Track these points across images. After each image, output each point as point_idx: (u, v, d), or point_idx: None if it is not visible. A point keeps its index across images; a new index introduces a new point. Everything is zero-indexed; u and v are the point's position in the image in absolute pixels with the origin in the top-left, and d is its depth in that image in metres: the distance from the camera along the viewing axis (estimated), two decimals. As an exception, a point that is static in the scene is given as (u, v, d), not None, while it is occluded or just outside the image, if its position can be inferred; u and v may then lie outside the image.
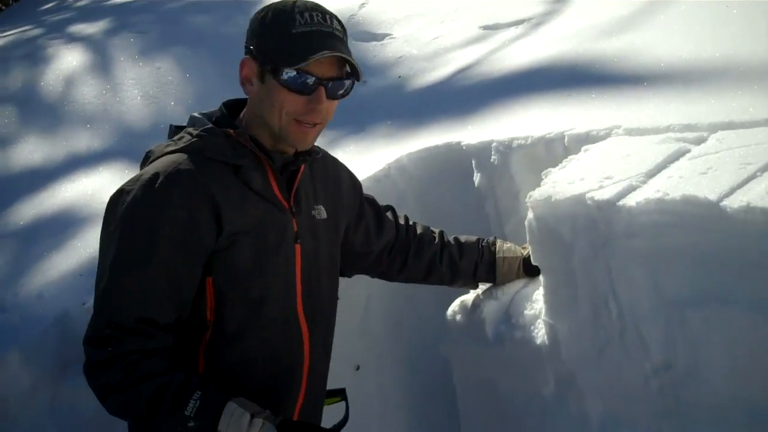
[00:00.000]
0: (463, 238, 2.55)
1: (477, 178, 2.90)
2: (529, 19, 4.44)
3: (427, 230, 2.54)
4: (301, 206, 2.17)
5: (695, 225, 1.86)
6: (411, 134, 3.42)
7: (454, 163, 3.03)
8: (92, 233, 3.60)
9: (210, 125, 2.07)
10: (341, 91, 2.06)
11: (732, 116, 2.28)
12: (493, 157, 2.82)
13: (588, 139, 2.53)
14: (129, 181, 2.00)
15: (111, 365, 1.94)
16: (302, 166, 2.16)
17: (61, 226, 3.76)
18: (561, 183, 2.20)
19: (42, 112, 5.13)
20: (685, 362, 1.96)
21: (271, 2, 2.06)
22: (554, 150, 2.64)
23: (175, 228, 1.95)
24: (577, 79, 3.19)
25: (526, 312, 2.39)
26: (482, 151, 2.87)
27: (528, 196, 2.24)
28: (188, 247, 1.97)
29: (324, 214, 2.24)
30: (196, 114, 2.14)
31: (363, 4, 5.60)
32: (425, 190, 3.13)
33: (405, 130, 3.53)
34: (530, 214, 2.24)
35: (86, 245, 3.50)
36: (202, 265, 2.00)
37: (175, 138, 2.09)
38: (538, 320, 2.34)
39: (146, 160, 2.09)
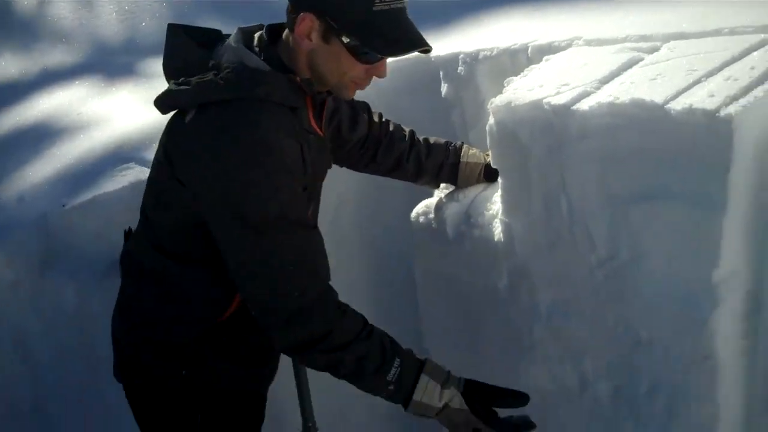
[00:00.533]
0: (432, 140, 2.67)
1: (444, 88, 3.02)
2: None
3: (399, 128, 2.65)
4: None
5: (642, 126, 1.99)
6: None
7: (422, 75, 3.15)
8: (69, 143, 3.70)
9: (270, 69, 2.07)
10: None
11: (684, 27, 2.40)
12: (459, 68, 2.93)
13: (550, 49, 2.66)
14: (214, 132, 1.99)
15: (308, 315, 2.04)
16: (327, 99, 2.25)
17: (39, 136, 3.85)
18: (521, 90, 2.33)
19: (18, 27, 5.16)
20: (627, 253, 2.13)
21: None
22: (518, 60, 2.77)
23: (295, 174, 2.04)
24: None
25: (484, 212, 2.54)
26: (449, 62, 2.98)
27: (490, 102, 2.37)
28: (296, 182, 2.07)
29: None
30: (239, 40, 2.10)
31: None
32: (395, 100, 3.23)
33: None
34: (491, 119, 2.37)
35: (64, 154, 3.60)
36: None
37: (231, 78, 2.02)
38: (496, 219, 2.49)
39: (204, 107, 2.03)
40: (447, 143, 2.68)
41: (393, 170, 2.65)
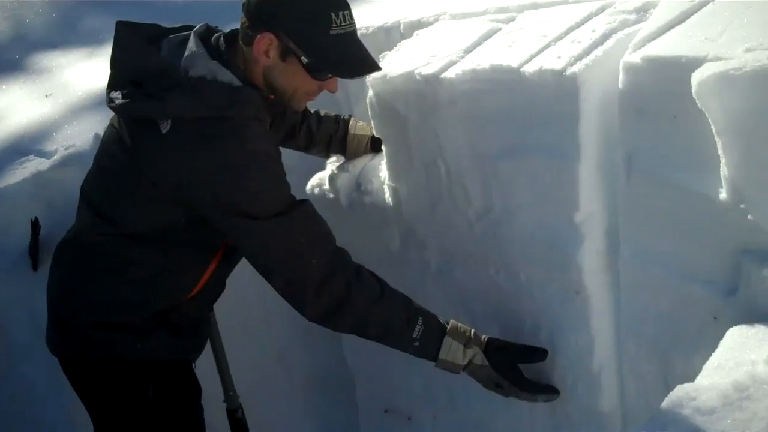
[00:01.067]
0: (323, 113, 2.85)
1: (327, 66, 3.18)
2: None
3: None
4: None
5: (501, 89, 2.19)
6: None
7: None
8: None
9: (242, 85, 2.20)
10: None
11: (536, -1, 2.63)
12: (340, 46, 3.10)
13: (420, 25, 2.85)
14: (215, 164, 2.14)
15: (329, 283, 2.24)
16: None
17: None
18: (395, 63, 2.52)
19: None
20: (500, 206, 2.34)
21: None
22: (392, 37, 2.96)
23: (279, 167, 2.26)
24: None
25: (373, 179, 2.73)
26: (331, 41, 3.14)
27: (368, 77, 2.55)
28: None
29: None
30: (202, 50, 2.21)
31: None
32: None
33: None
34: (370, 92, 2.56)
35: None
36: None
37: (211, 99, 2.14)
38: (383, 185, 2.68)
39: (189, 128, 2.14)
40: (336, 116, 2.86)
41: (286, 140, 2.80)
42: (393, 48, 2.69)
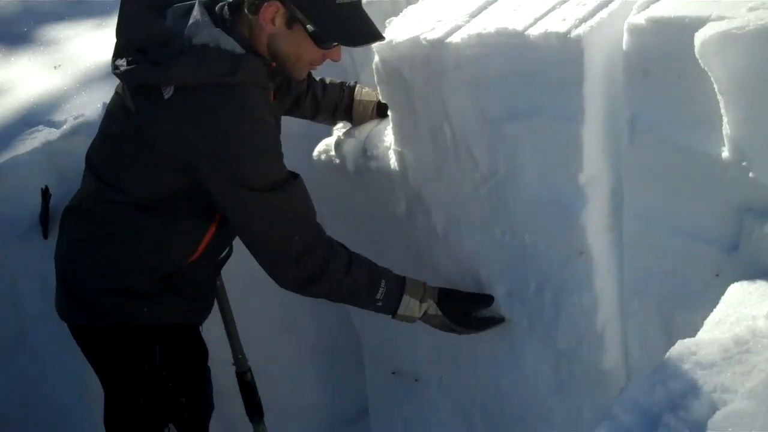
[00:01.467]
0: (328, 80, 2.87)
1: (333, 33, 3.20)
2: None
3: None
4: None
5: (506, 53, 2.22)
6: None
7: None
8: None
9: (245, 53, 2.24)
10: None
11: (542, -38, 2.63)
12: (346, 13, 3.11)
13: (426, -9, 2.86)
14: (216, 112, 2.19)
15: (313, 251, 2.35)
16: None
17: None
18: (401, 29, 2.53)
19: None
20: (505, 168, 2.37)
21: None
22: (398, 3, 2.95)
23: (277, 139, 2.35)
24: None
25: (379, 145, 2.76)
26: (336, 8, 3.16)
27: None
28: None
29: None
30: (207, 18, 2.25)
31: None
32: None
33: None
34: (376, 58, 2.58)
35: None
36: None
37: (215, 65, 2.19)
38: (389, 151, 2.71)
39: (189, 91, 2.19)
40: (342, 83, 2.88)
41: (292, 109, 2.83)
42: (399, 14, 2.70)
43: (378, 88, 2.67)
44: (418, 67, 2.45)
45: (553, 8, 2.23)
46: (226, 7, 2.31)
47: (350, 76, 3.16)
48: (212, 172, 2.24)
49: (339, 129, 2.95)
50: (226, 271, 2.83)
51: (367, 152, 2.78)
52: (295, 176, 2.35)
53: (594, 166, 2.21)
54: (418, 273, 2.76)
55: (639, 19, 1.96)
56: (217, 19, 2.28)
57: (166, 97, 2.19)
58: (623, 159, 2.18)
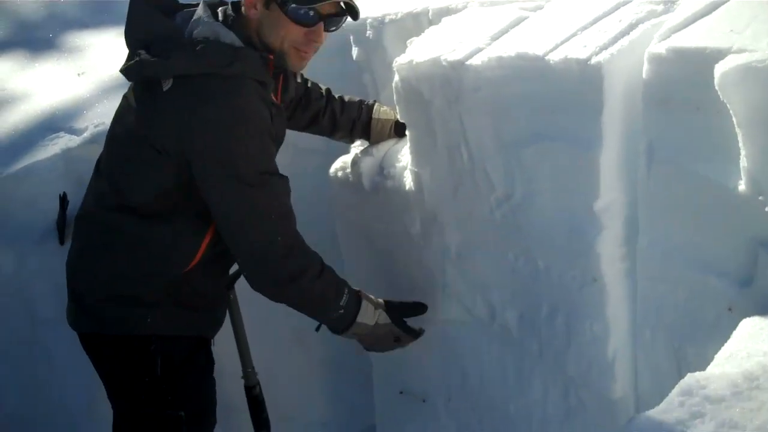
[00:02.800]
0: (347, 98, 2.89)
1: (355, 51, 3.20)
2: None
3: (316, 86, 2.87)
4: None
5: (526, 77, 2.22)
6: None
7: (335, 40, 3.28)
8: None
9: (243, 47, 2.31)
10: (336, 27, 2.39)
11: (565, -13, 2.64)
12: (368, 32, 3.11)
13: (448, 11, 2.85)
14: (210, 102, 2.24)
15: (296, 252, 2.41)
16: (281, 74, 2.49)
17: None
18: (422, 49, 2.55)
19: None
20: (521, 192, 2.37)
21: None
22: (420, 23, 2.96)
23: (264, 129, 2.32)
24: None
25: (396, 164, 2.77)
26: (359, 27, 3.14)
27: (394, 62, 2.59)
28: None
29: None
30: (209, 15, 2.34)
31: None
32: (310, 65, 3.37)
33: (290, 12, 3.77)
34: (396, 77, 2.59)
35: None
36: None
37: (211, 56, 2.25)
38: (406, 170, 2.71)
39: (188, 83, 2.25)
40: (360, 101, 2.90)
41: (310, 126, 2.86)
42: (420, 34, 2.72)
43: (397, 107, 2.68)
44: (438, 88, 2.46)
45: (574, 34, 2.23)
46: (229, 6, 2.39)
47: (371, 94, 3.17)
48: (201, 158, 2.27)
49: (356, 146, 2.96)
50: (238, 283, 2.82)
51: (383, 171, 2.79)
52: (282, 176, 2.38)
53: (610, 194, 2.20)
54: (429, 293, 2.78)
55: (660, 48, 1.96)
56: (219, 19, 2.36)
57: (165, 89, 2.25)
58: (640, 187, 2.16)
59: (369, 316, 2.56)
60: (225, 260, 2.60)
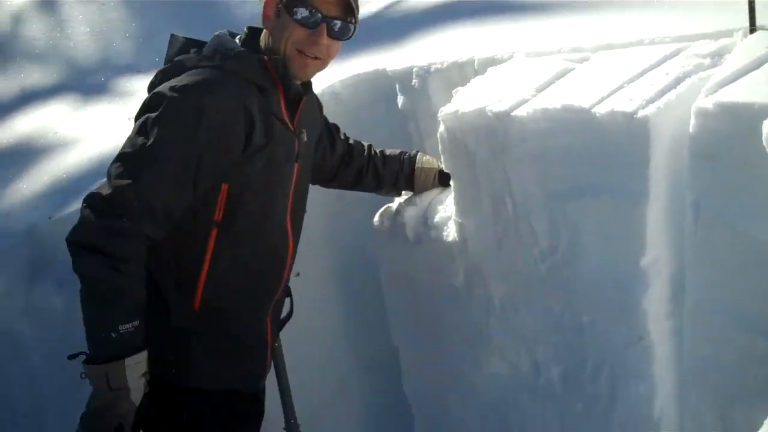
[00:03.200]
0: (388, 151, 2.87)
1: (400, 100, 3.21)
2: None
3: (358, 143, 2.84)
4: (301, 130, 2.44)
5: (572, 129, 2.20)
6: (343, 63, 3.68)
7: (380, 88, 3.34)
8: (49, 161, 3.85)
9: (244, 49, 2.32)
10: (342, 32, 2.33)
11: (611, 39, 2.61)
12: (414, 81, 3.13)
13: (494, 62, 2.85)
14: (174, 85, 2.17)
15: (120, 236, 2.09)
16: (304, 98, 2.42)
17: (19, 155, 4.00)
18: (467, 99, 2.54)
19: (-7, 48, 5.33)
20: (566, 246, 2.33)
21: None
22: (466, 73, 2.96)
23: (217, 127, 2.16)
24: (489, 10, 3.51)
25: (440, 214, 2.74)
26: (405, 75, 3.18)
27: (440, 111, 2.58)
28: (219, 147, 2.18)
29: (306, 137, 2.49)
30: (224, 33, 2.37)
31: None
32: (355, 112, 3.41)
33: (337, 59, 3.78)
34: (441, 127, 2.58)
35: (44, 171, 3.75)
36: (220, 166, 2.21)
37: (206, 52, 2.29)
38: (450, 220, 2.69)
39: (179, 67, 2.26)
40: (401, 153, 2.88)
41: (355, 184, 2.85)
42: (466, 84, 2.72)
43: (441, 157, 2.67)
44: (483, 139, 2.44)
45: (620, 87, 2.21)
46: (246, 28, 2.42)
47: (415, 143, 3.17)
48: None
49: (402, 196, 2.95)
50: (283, 332, 2.80)
51: (427, 221, 2.77)
52: (177, 176, 2.16)
53: (657, 249, 2.16)
54: (473, 346, 2.74)
55: (707, 103, 1.93)
56: (234, 36, 2.38)
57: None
58: (687, 244, 2.12)
59: (133, 374, 2.12)
60: (249, 293, 2.42)
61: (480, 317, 2.70)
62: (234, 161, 2.23)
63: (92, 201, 2.13)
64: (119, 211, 2.10)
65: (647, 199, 2.10)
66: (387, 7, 4.35)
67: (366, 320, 3.49)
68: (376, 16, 4.29)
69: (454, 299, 2.76)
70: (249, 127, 2.22)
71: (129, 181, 2.11)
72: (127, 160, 2.14)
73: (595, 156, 2.19)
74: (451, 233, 2.68)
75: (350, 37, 2.36)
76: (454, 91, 2.67)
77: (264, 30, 2.38)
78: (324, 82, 3.49)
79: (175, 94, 2.15)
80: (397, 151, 2.88)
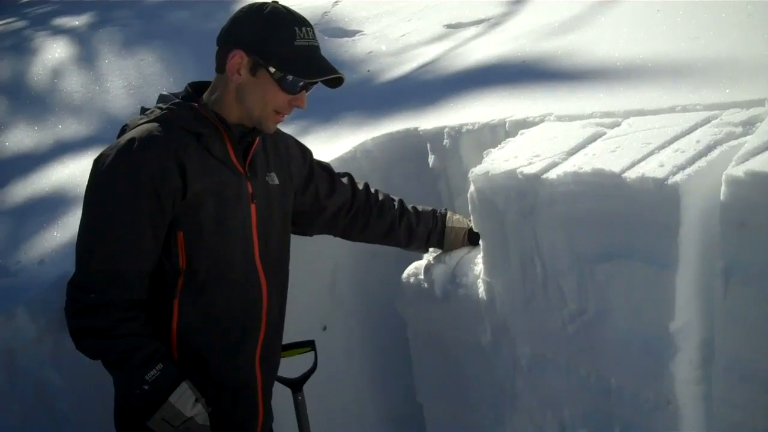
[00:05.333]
0: (420, 208, 2.90)
1: (431, 159, 3.27)
2: (488, 19, 4.81)
3: (388, 197, 2.88)
4: (256, 172, 2.48)
5: (602, 193, 2.22)
6: (376, 122, 3.76)
7: (412, 147, 3.40)
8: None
9: (178, 100, 2.40)
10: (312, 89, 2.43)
11: (643, 105, 2.65)
12: (445, 141, 3.18)
13: (525, 124, 2.90)
14: (108, 147, 2.29)
15: (95, 311, 2.25)
16: (257, 139, 2.48)
17: (53, 204, 4.05)
18: (498, 161, 2.58)
19: (31, 101, 5.42)
20: (594, 308, 2.34)
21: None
22: (497, 134, 3.01)
23: (149, 184, 2.23)
24: (522, 73, 3.58)
25: (468, 273, 2.77)
26: (436, 135, 3.23)
27: (470, 172, 2.62)
28: (160, 201, 2.25)
29: (276, 180, 2.55)
30: (164, 92, 2.46)
31: (336, 2, 5.96)
32: (387, 170, 3.48)
33: (371, 118, 3.87)
34: (471, 187, 2.62)
35: (77, 221, 3.77)
36: (170, 219, 2.29)
37: (147, 112, 2.38)
38: (478, 279, 2.71)
39: (122, 132, 2.37)
40: (433, 211, 2.92)
41: (386, 236, 2.87)
42: (497, 145, 2.76)
43: (471, 216, 2.70)
44: (513, 200, 2.48)
45: (651, 153, 2.24)
46: (187, 85, 2.49)
47: (445, 202, 3.21)
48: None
49: (430, 253, 2.97)
50: (308, 387, 2.82)
51: (456, 279, 2.79)
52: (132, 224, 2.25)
53: (686, 315, 2.16)
54: (499, 405, 2.74)
55: (738, 171, 1.95)
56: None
57: None
58: (717, 310, 2.12)
59: (186, 404, 2.28)
60: (222, 338, 2.45)
61: (506, 377, 2.71)
62: (179, 208, 2.30)
63: (68, 291, 2.31)
64: (88, 289, 2.26)
65: (677, 265, 2.11)
66: (419, 69, 4.43)
67: (391, 375, 3.50)
68: (408, 77, 4.37)
69: (480, 358, 2.77)
70: (183, 173, 2.28)
71: (87, 260, 2.28)
72: (82, 241, 2.31)
73: (624, 220, 2.21)
74: (479, 292, 2.70)
75: None
76: (485, 152, 2.71)
77: (213, 82, 2.43)
78: (356, 140, 3.56)
79: (107, 162, 2.24)
80: (429, 208, 2.92)
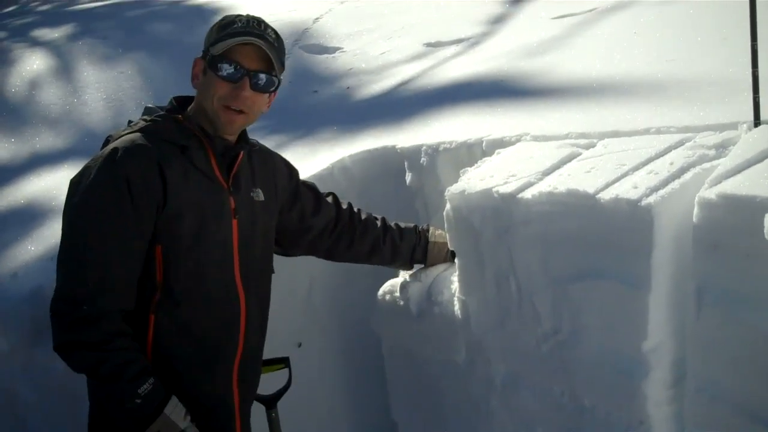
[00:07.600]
0: (402, 224, 2.90)
1: (408, 177, 3.28)
2: (468, 39, 4.85)
3: (371, 216, 2.87)
4: (240, 187, 2.47)
5: (576, 213, 2.24)
6: (354, 138, 3.78)
7: (389, 164, 3.41)
8: (57, 223, 3.86)
9: (163, 112, 2.41)
10: (266, 85, 2.39)
11: (618, 126, 2.68)
12: (422, 158, 3.20)
13: (502, 143, 2.92)
14: (92, 158, 2.29)
15: (89, 324, 2.21)
16: (241, 153, 2.47)
17: (28, 217, 4.04)
18: (474, 180, 2.60)
19: (8, 112, 5.40)
20: (568, 328, 2.35)
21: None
22: (474, 153, 3.03)
23: (134, 191, 2.23)
24: (499, 92, 3.61)
25: (444, 291, 2.77)
26: (414, 153, 3.25)
27: (447, 190, 2.63)
28: (144, 208, 2.25)
29: (261, 197, 2.53)
30: (150, 105, 2.48)
31: (317, 18, 5.97)
32: (364, 187, 3.48)
33: (349, 134, 3.89)
34: (448, 206, 2.63)
35: (52, 234, 3.78)
36: (152, 227, 2.28)
37: (132, 123, 2.40)
38: (454, 297, 2.72)
39: (106, 142, 2.37)
40: (415, 226, 2.92)
41: (370, 255, 2.85)
42: (473, 164, 2.77)
43: (447, 235, 2.71)
44: (488, 219, 2.49)
45: (625, 174, 2.26)
46: (172, 98, 2.51)
47: (422, 219, 3.23)
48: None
49: (406, 270, 2.98)
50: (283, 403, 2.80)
51: (431, 297, 2.80)
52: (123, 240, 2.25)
53: (658, 335, 2.17)
54: (473, 423, 2.74)
55: (710, 194, 1.97)
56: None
57: None
58: (689, 331, 2.14)
59: (178, 416, 2.28)
60: (198, 354, 2.42)
61: (480, 395, 2.71)
62: (159, 220, 2.29)
63: (54, 307, 2.25)
64: (79, 301, 2.22)
65: (650, 285, 2.13)
66: (401, 84, 4.46)
67: (366, 393, 3.49)
68: (387, 95, 4.39)
69: (455, 376, 2.77)
70: (164, 184, 2.29)
71: (77, 270, 2.24)
72: (69, 252, 2.27)
73: (598, 241, 2.22)
74: (454, 310, 2.71)
75: (275, 90, 2.45)
76: (461, 170, 2.73)
77: (193, 86, 2.46)
78: (334, 156, 3.56)
79: (91, 173, 2.25)
80: (411, 225, 2.92)
